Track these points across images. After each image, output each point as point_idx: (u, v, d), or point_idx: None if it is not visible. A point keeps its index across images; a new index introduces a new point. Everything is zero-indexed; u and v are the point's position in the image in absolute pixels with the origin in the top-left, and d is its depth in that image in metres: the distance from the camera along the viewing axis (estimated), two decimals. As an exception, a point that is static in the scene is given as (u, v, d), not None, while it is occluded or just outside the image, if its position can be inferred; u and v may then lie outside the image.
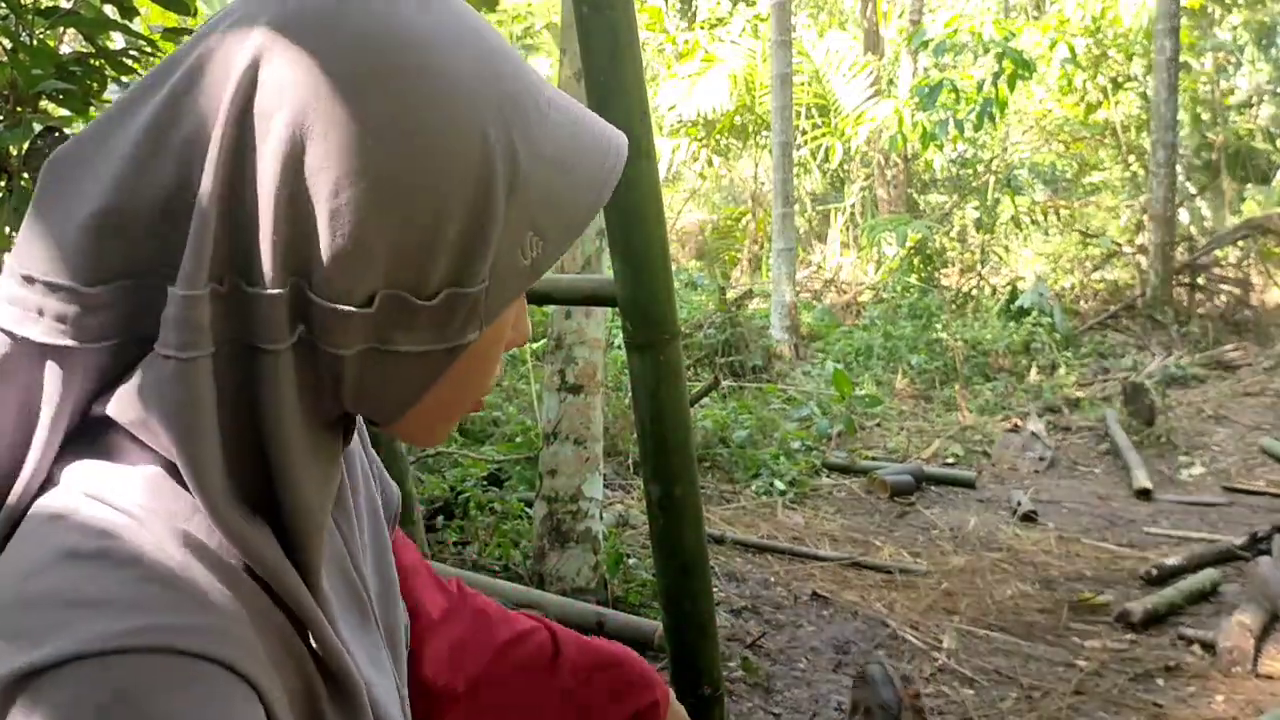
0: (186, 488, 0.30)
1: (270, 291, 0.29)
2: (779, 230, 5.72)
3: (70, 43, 1.86)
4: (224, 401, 0.30)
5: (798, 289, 5.98)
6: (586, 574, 2.12)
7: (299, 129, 0.29)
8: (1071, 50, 6.26)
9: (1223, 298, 6.14)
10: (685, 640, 1.10)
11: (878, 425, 4.46)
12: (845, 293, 7.05)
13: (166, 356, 0.29)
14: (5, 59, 1.42)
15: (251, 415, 0.31)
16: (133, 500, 0.30)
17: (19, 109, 1.43)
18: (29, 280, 0.30)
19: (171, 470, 0.31)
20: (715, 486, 3.45)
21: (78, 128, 1.54)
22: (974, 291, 6.60)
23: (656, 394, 1.02)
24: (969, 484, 3.64)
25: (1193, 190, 7.88)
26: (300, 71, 0.29)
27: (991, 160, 7.51)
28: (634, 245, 0.97)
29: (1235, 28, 8.21)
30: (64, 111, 1.50)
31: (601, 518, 2.19)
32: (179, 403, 0.29)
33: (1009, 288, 6.41)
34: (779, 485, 3.44)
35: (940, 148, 6.44)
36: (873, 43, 7.96)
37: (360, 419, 0.40)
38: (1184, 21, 6.40)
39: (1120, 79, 7.13)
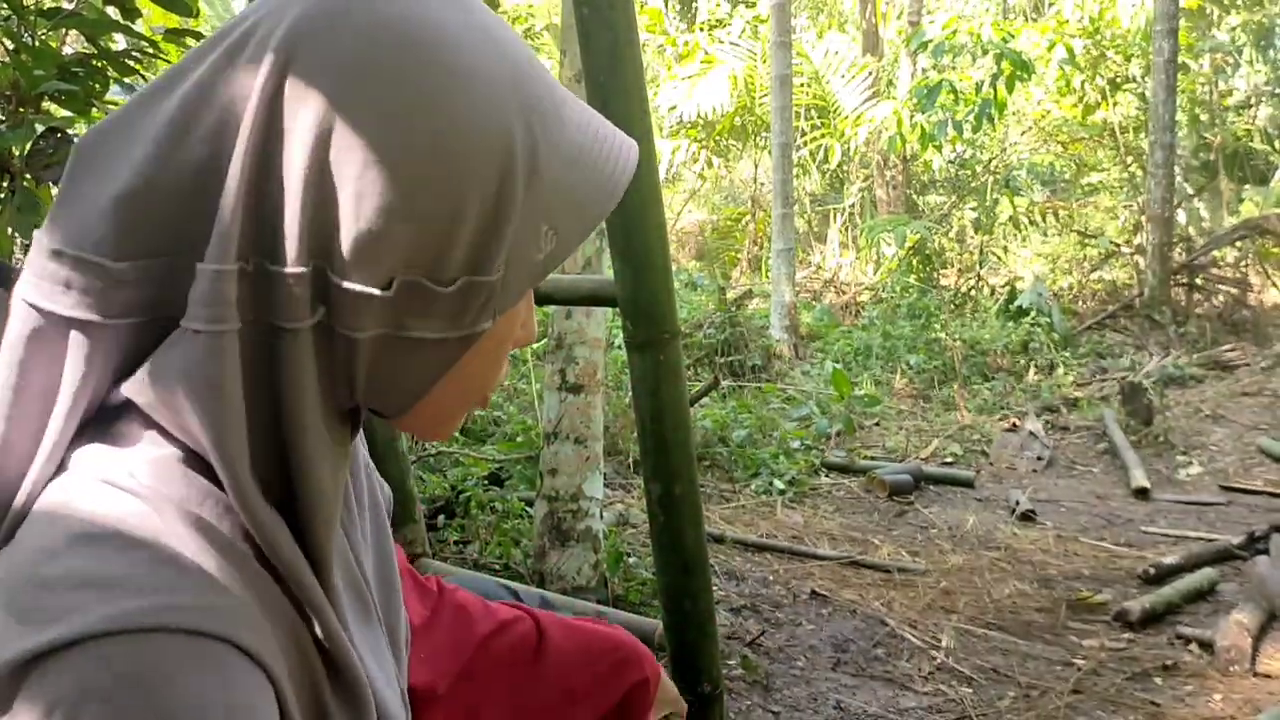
0: (200, 473, 0.31)
1: (293, 270, 0.30)
2: (778, 231, 5.73)
3: (72, 44, 1.87)
4: (246, 381, 0.30)
5: (797, 289, 5.99)
6: (587, 572, 2.12)
7: (327, 116, 0.29)
8: (1070, 51, 6.27)
9: (1220, 298, 6.15)
10: (685, 638, 1.11)
11: (876, 425, 4.46)
12: (844, 293, 7.05)
13: (196, 331, 0.29)
14: (7, 60, 1.42)
15: (272, 398, 0.31)
16: (145, 484, 0.30)
17: (21, 110, 1.43)
18: (57, 255, 0.30)
19: (186, 456, 0.31)
20: (715, 485, 3.46)
21: (80, 129, 1.54)
22: (973, 292, 6.61)
23: (656, 393, 1.03)
24: (967, 483, 3.64)
25: (1191, 191, 7.90)
26: (330, 61, 0.30)
27: (990, 161, 7.52)
28: (634, 245, 0.98)
29: (1233, 29, 8.22)
30: (66, 112, 1.50)
31: (602, 516, 2.20)
32: (207, 378, 0.29)
33: (1007, 288, 6.42)
34: (778, 484, 3.45)
35: (939, 148, 6.45)
36: (872, 44, 7.97)
37: (365, 416, 0.40)
38: (1182, 22, 6.41)
39: (1118, 80, 7.14)
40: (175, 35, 1.59)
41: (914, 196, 8.03)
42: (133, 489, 0.30)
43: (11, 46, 1.40)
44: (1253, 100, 8.24)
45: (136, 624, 0.27)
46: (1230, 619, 2.22)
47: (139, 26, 1.54)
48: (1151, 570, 2.65)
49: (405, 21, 0.30)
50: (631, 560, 2.35)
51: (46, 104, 1.54)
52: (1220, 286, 6.19)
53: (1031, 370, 5.27)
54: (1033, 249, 7.70)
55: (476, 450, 3.05)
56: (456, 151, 0.30)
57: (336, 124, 0.29)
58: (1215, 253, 6.36)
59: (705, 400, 4.04)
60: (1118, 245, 6.81)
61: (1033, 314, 5.72)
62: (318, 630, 0.33)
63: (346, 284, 0.30)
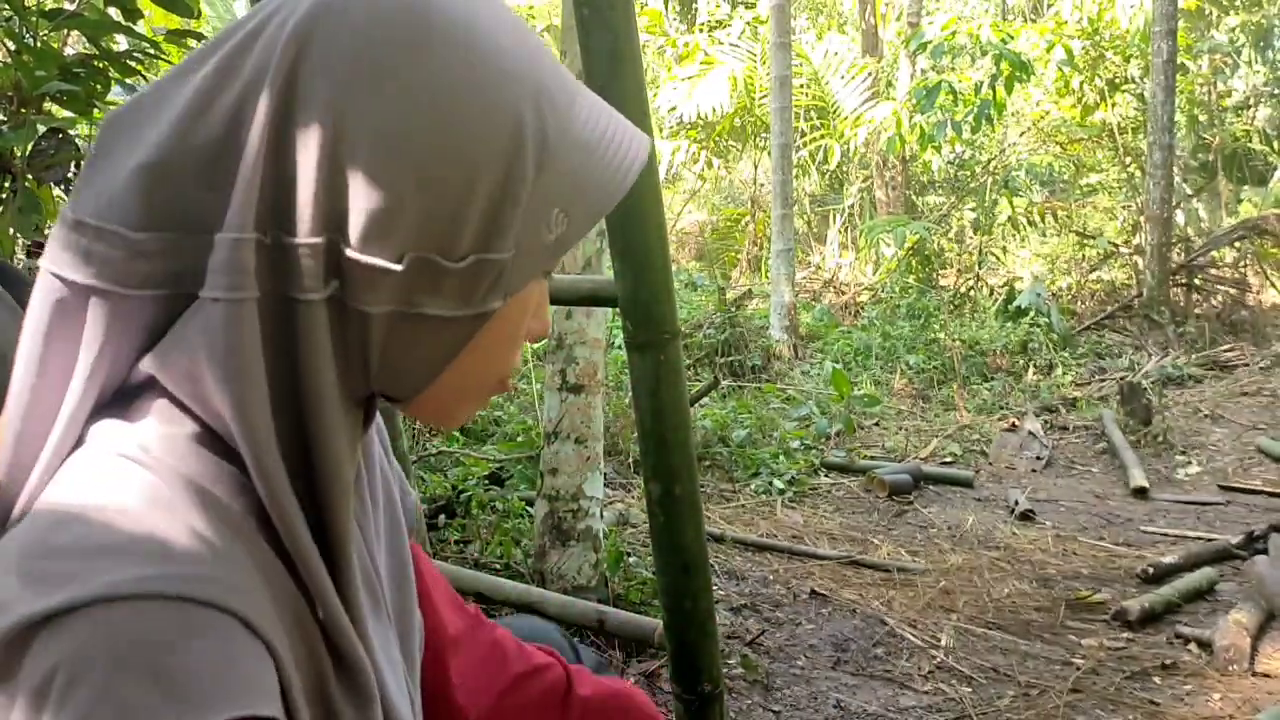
0: (216, 452, 0.32)
1: (306, 241, 0.30)
2: (778, 231, 5.73)
3: (74, 44, 1.87)
4: (265, 353, 0.31)
5: (797, 289, 6.00)
6: (587, 572, 2.13)
7: (341, 92, 0.30)
8: (1069, 52, 6.27)
9: (1219, 298, 6.16)
10: (685, 638, 1.11)
11: (876, 425, 4.47)
12: (844, 293, 7.06)
13: (215, 299, 0.30)
14: (9, 60, 1.43)
15: (289, 372, 0.31)
16: (158, 459, 0.31)
17: (23, 110, 1.43)
18: (80, 225, 0.31)
19: (203, 433, 0.32)
20: (715, 485, 3.46)
21: (82, 129, 1.55)
22: (972, 292, 6.61)
23: (656, 393, 1.03)
24: (967, 483, 3.65)
25: (1189, 191, 7.91)
26: (345, 41, 0.31)
27: (989, 162, 7.53)
28: (634, 245, 0.98)
29: (1232, 30, 8.24)
30: (67, 113, 1.50)
31: (602, 516, 2.20)
32: (227, 344, 0.30)
33: (1006, 288, 6.42)
34: (778, 484, 3.45)
35: (938, 149, 6.46)
36: (871, 45, 7.97)
37: (378, 416, 0.41)
38: (1181, 23, 6.42)
39: (1117, 81, 7.15)
40: (177, 36, 1.59)
41: (913, 197, 8.04)
42: (145, 462, 0.31)
43: (13, 47, 1.40)
44: (1251, 101, 8.25)
45: (139, 590, 0.27)
46: (1229, 618, 2.22)
47: (140, 27, 1.54)
48: (1150, 570, 2.66)
49: (419, 7, 0.31)
50: (632, 560, 2.36)
51: (48, 105, 1.54)
52: (1219, 287, 6.20)
53: (1030, 370, 5.27)
54: (1032, 249, 7.71)
55: (477, 450, 3.06)
56: (467, 129, 0.31)
57: (350, 100, 0.30)
58: (1214, 253, 6.37)
59: (705, 400, 4.04)
60: (1116, 246, 6.82)
61: (1032, 314, 5.72)
62: (320, 614, 0.33)
63: (358, 256, 0.31)
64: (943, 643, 2.23)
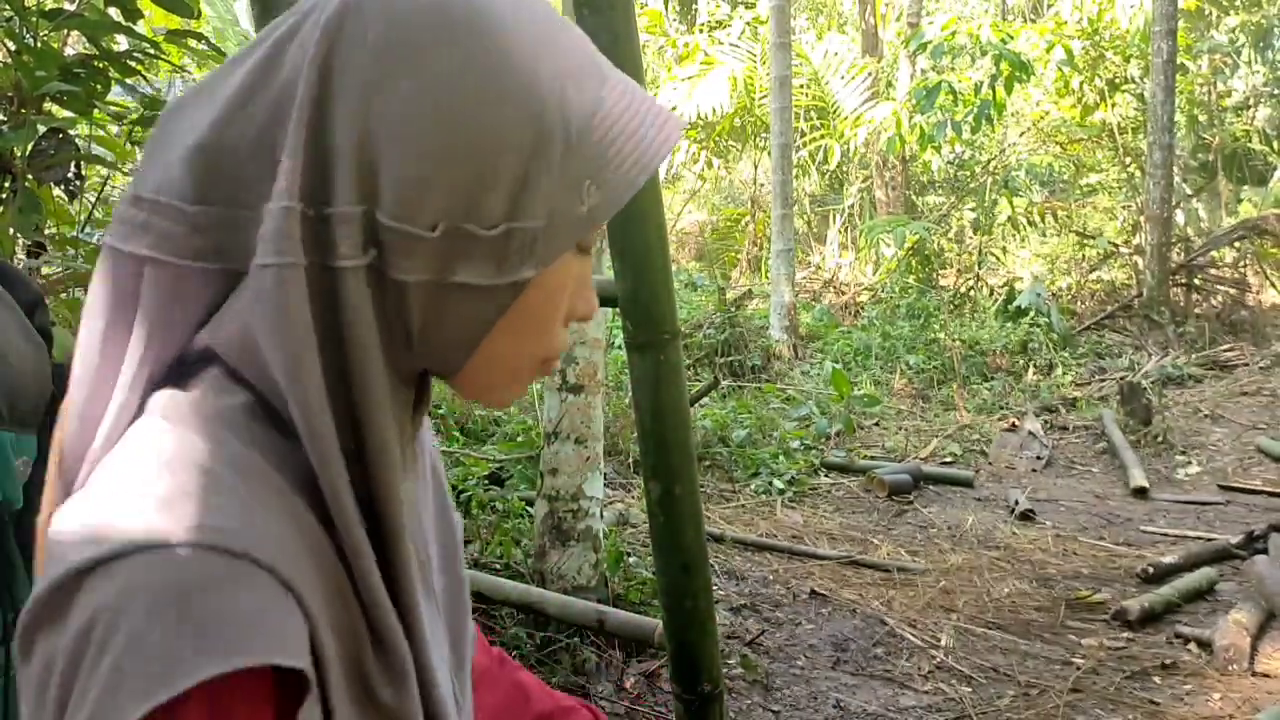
0: (268, 424, 0.33)
1: (344, 209, 0.33)
2: (778, 231, 5.73)
3: (74, 45, 1.87)
4: (314, 320, 0.33)
5: (797, 289, 6.00)
6: (587, 572, 2.13)
7: (374, 69, 0.33)
8: (1069, 52, 6.27)
9: (1219, 298, 6.16)
10: (685, 637, 1.11)
11: (876, 425, 4.47)
12: (844, 293, 7.06)
13: (265, 265, 0.32)
14: (9, 60, 1.43)
15: (335, 342, 0.33)
16: (212, 427, 0.32)
17: (23, 110, 1.43)
18: (138, 200, 0.34)
19: (257, 405, 0.34)
20: (715, 485, 3.46)
21: (82, 129, 1.55)
22: (971, 292, 6.61)
23: (656, 394, 1.03)
24: (967, 483, 3.65)
25: (1189, 191, 7.91)
26: (381, 25, 0.33)
27: (989, 162, 7.53)
28: (634, 245, 0.98)
29: (1232, 30, 8.24)
30: (67, 113, 1.50)
31: (602, 516, 2.20)
32: (277, 309, 0.32)
33: (1006, 288, 6.42)
34: (778, 484, 3.45)
35: (938, 149, 6.46)
36: (871, 45, 7.98)
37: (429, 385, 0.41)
38: (1181, 24, 6.42)
39: (1117, 81, 7.15)
40: (177, 36, 1.59)
41: (913, 197, 8.04)
42: (196, 428, 0.32)
43: (13, 47, 1.40)
44: (1251, 101, 8.26)
45: (180, 540, 0.29)
46: (1229, 618, 2.23)
47: (140, 28, 1.54)
48: (1150, 569, 2.66)
49: None
50: (631, 560, 2.36)
51: (48, 105, 1.54)
52: (1219, 287, 6.20)
53: (1030, 370, 5.27)
54: (1031, 249, 7.71)
55: (477, 450, 3.06)
56: (494, 105, 0.33)
57: (381, 78, 0.33)
58: (1214, 253, 6.37)
59: (705, 400, 4.04)
60: (1116, 246, 6.82)
61: (1031, 314, 5.72)
62: (361, 590, 0.34)
63: (392, 224, 0.33)
64: (943, 642, 2.23)
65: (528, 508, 2.48)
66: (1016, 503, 3.33)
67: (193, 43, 1.60)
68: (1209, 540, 2.93)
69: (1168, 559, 2.72)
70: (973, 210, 7.45)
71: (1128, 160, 7.27)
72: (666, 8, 8.55)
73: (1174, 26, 5.97)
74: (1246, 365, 5.24)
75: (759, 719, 1.87)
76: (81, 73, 1.44)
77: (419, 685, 0.36)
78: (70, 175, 1.54)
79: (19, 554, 0.88)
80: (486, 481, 2.70)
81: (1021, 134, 7.75)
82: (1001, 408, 4.70)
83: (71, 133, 1.49)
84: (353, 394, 0.33)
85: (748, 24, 7.70)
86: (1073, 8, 7.02)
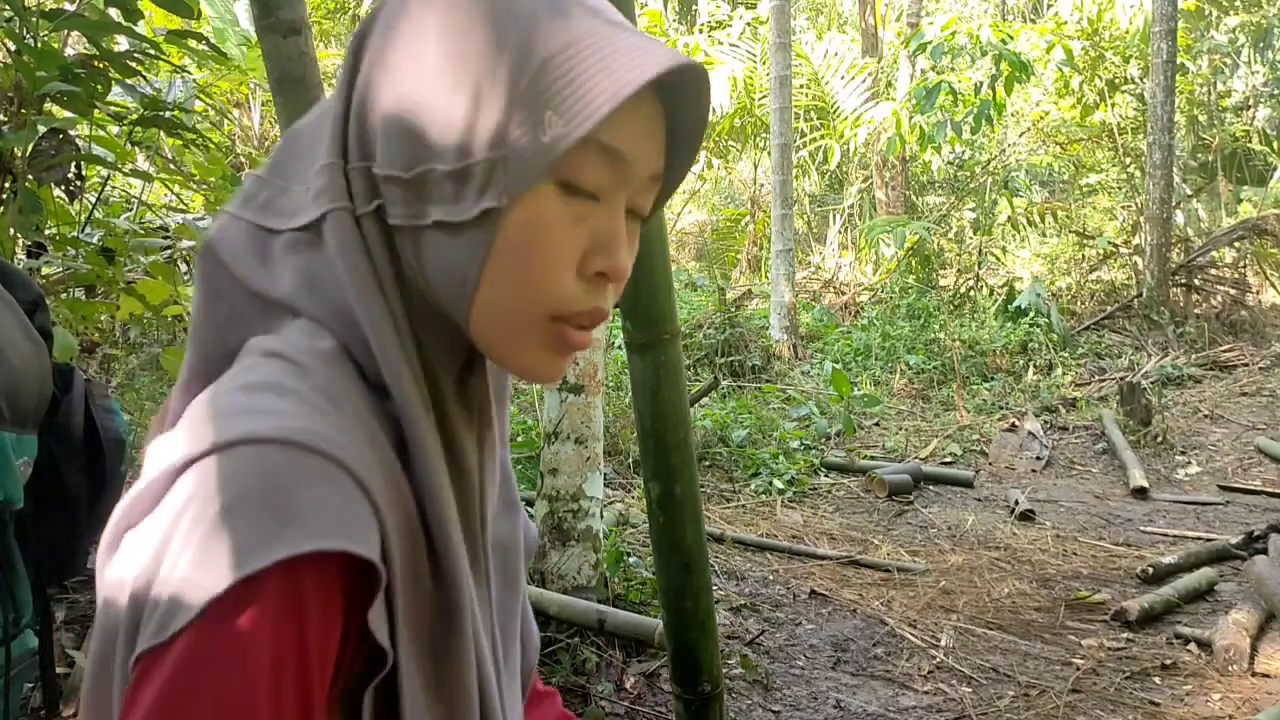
0: (348, 365, 0.37)
1: (357, 164, 0.38)
2: (778, 231, 5.74)
3: (74, 45, 1.87)
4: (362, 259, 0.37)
5: (796, 289, 5.99)
6: (587, 572, 2.12)
7: (379, 44, 0.38)
8: (1068, 53, 6.27)
9: (1219, 298, 6.16)
10: (685, 637, 1.11)
11: (876, 425, 4.47)
12: (844, 293, 7.06)
13: (323, 213, 0.37)
14: (10, 61, 1.43)
15: (376, 282, 0.37)
16: (300, 358, 0.36)
17: (23, 110, 1.43)
18: (259, 179, 0.41)
19: (339, 349, 0.37)
20: (715, 485, 3.46)
21: (82, 130, 1.55)
22: (971, 292, 6.61)
23: (656, 394, 1.03)
24: (967, 483, 3.65)
25: (1189, 191, 7.90)
26: (393, 10, 0.38)
27: (989, 162, 7.53)
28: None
29: (1232, 30, 8.24)
30: (68, 114, 1.50)
31: (602, 516, 2.20)
32: (340, 244, 0.37)
33: (1006, 288, 6.42)
34: (778, 484, 3.45)
35: (938, 150, 6.45)
36: (871, 45, 7.98)
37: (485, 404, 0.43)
38: (1181, 24, 6.42)
39: (1117, 81, 7.15)
40: (177, 37, 1.59)
41: (913, 197, 8.04)
42: (286, 355, 0.36)
43: (14, 48, 1.40)
44: (1251, 101, 8.25)
45: (271, 436, 0.32)
46: (1229, 619, 2.23)
47: (140, 28, 1.54)
48: (1150, 570, 2.66)
49: None
50: (632, 560, 2.36)
51: (48, 105, 1.54)
52: (1218, 287, 6.19)
53: (1030, 370, 5.27)
54: (1031, 249, 7.71)
55: (476, 451, 3.05)
56: (458, 50, 0.36)
57: (382, 45, 0.38)
58: (1213, 253, 6.37)
59: (705, 400, 4.04)
60: (1116, 246, 6.82)
61: (1031, 314, 5.72)
62: (428, 514, 0.36)
63: (380, 172, 0.37)
64: (943, 643, 2.23)
65: (528, 508, 2.48)
66: (1016, 503, 3.33)
67: (193, 43, 1.60)
68: (1209, 541, 2.93)
69: (1167, 559, 2.72)
70: (972, 210, 7.45)
71: (1127, 160, 7.27)
72: (666, 8, 8.55)
73: (1174, 27, 5.97)
74: (1246, 365, 5.23)
75: (759, 719, 1.87)
76: (82, 73, 1.44)
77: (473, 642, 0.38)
78: (70, 175, 1.54)
79: (19, 554, 0.88)
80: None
81: (1021, 134, 7.75)
82: (1001, 408, 4.70)
83: (72, 133, 1.49)
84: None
85: (748, 24, 7.70)
86: (1072, 8, 7.01)
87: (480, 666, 0.38)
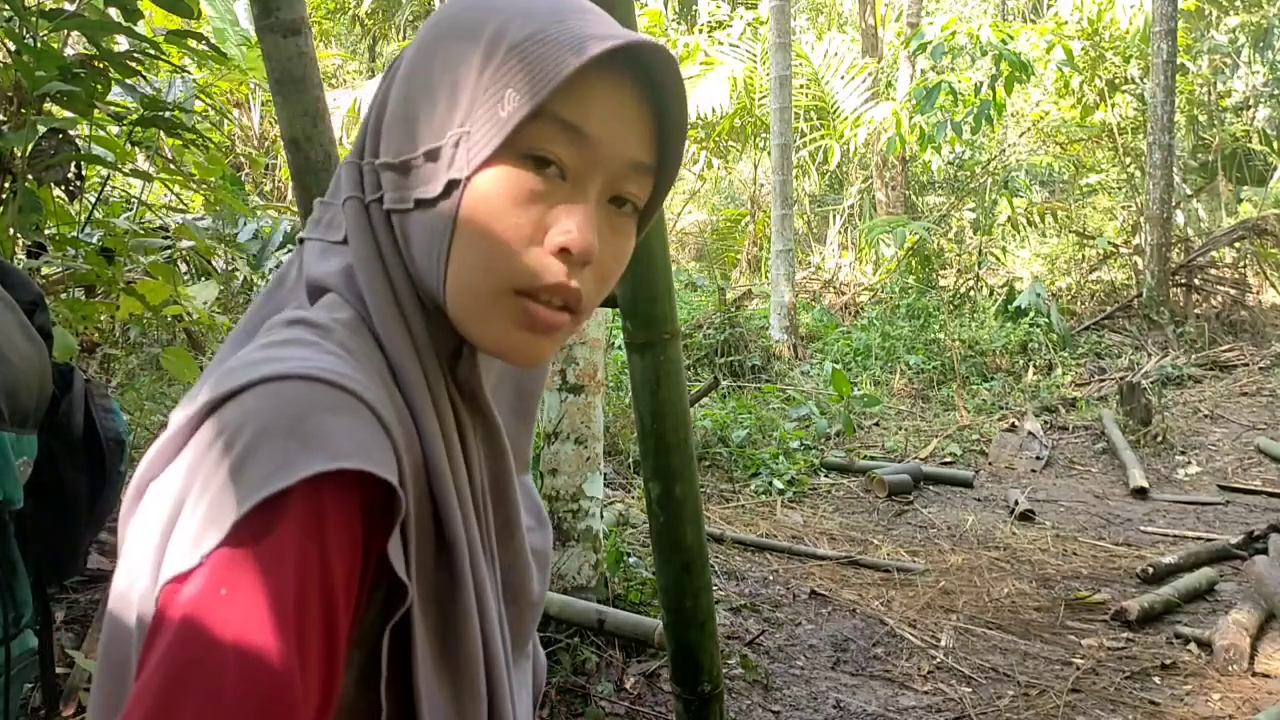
0: (368, 333, 0.39)
1: (369, 160, 0.42)
2: (778, 231, 5.73)
3: (74, 45, 1.87)
4: (370, 242, 0.41)
5: (796, 290, 5.99)
6: (587, 572, 2.12)
7: (398, 68, 0.43)
8: (1068, 53, 6.27)
9: (1219, 298, 6.16)
10: (685, 637, 1.11)
11: (876, 425, 4.47)
12: (844, 293, 7.06)
13: (346, 199, 0.42)
14: (9, 61, 1.43)
15: (384, 266, 0.41)
16: (324, 323, 0.39)
17: (23, 110, 1.43)
18: (321, 202, 0.45)
19: (359, 320, 0.39)
20: (715, 485, 3.46)
21: (82, 130, 1.55)
22: (971, 292, 6.61)
23: (656, 394, 1.03)
24: (966, 483, 3.65)
25: (1189, 191, 7.90)
26: (419, 35, 0.43)
27: (989, 162, 7.53)
28: (634, 246, 0.98)
29: (1232, 30, 8.24)
30: (68, 114, 1.50)
31: (602, 516, 2.20)
32: (352, 227, 0.41)
33: (1006, 288, 6.42)
34: (778, 484, 3.45)
35: (938, 150, 6.45)
36: (871, 45, 7.98)
37: (472, 391, 0.45)
38: (1181, 24, 6.42)
39: (1117, 81, 7.15)
40: (177, 37, 1.59)
41: (913, 197, 8.04)
42: (311, 322, 0.39)
43: (13, 47, 1.40)
44: (1251, 101, 8.25)
45: (297, 371, 0.34)
46: (1229, 618, 2.23)
47: (140, 28, 1.54)
48: (1150, 570, 2.66)
49: (452, 5, 0.42)
50: (631, 560, 2.36)
51: (48, 105, 1.54)
52: (1218, 287, 6.19)
53: (1030, 370, 5.27)
54: (1031, 250, 7.71)
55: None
56: (442, 50, 0.40)
57: (402, 65, 0.42)
58: (1213, 253, 6.37)
59: (705, 400, 4.04)
60: (1116, 246, 6.82)
61: (1031, 314, 5.72)
62: (435, 492, 0.38)
63: (379, 162, 0.41)
64: (942, 643, 2.23)
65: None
66: (1016, 503, 3.33)
67: (193, 43, 1.60)
68: (1209, 540, 2.93)
69: (1167, 559, 2.72)
70: (972, 210, 7.45)
71: (1127, 160, 7.27)
72: (666, 8, 8.56)
73: (1174, 27, 5.97)
74: (1246, 365, 5.23)
75: (759, 719, 1.87)
76: (81, 73, 1.44)
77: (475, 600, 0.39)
78: (70, 175, 1.54)
79: (19, 554, 0.88)
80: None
81: (1021, 134, 7.75)
82: (1001, 408, 4.70)
83: (71, 133, 1.49)
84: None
85: (748, 24, 7.70)
86: (1072, 8, 7.01)
87: (487, 640, 0.39)
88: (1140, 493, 3.51)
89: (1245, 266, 6.38)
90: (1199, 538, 3.00)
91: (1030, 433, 4.24)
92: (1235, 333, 5.84)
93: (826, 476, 3.69)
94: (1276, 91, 8.14)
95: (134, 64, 1.50)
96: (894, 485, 3.49)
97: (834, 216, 8.15)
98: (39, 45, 1.38)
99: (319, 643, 0.32)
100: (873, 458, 3.89)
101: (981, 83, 6.04)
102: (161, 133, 1.73)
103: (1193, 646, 2.21)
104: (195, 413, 0.34)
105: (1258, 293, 6.38)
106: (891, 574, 2.70)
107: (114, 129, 1.72)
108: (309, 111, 1.16)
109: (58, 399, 0.91)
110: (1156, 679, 2.06)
